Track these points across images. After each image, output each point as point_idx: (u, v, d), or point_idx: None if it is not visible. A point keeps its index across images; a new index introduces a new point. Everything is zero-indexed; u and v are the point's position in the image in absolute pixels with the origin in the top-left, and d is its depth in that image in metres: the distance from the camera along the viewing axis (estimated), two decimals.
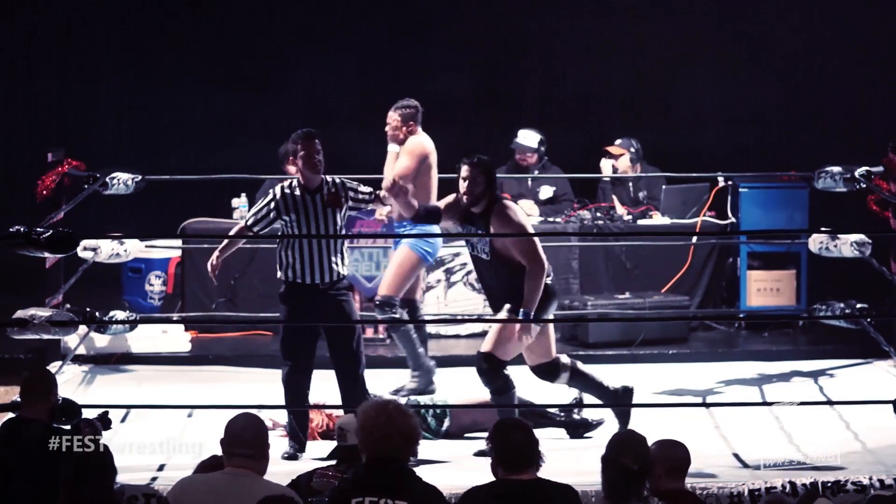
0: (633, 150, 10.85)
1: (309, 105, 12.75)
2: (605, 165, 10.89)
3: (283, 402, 7.60)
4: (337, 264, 7.45)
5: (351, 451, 5.55)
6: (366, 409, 5.06)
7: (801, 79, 12.51)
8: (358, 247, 10.16)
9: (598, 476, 5.05)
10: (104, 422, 6.26)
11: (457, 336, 10.28)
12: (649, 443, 5.19)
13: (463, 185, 7.37)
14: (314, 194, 7.46)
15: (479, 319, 7.40)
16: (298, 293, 7.47)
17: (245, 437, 5.07)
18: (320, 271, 7.43)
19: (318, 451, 7.18)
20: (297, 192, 7.47)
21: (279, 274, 7.53)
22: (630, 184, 11.03)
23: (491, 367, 7.35)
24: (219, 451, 5.29)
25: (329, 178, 7.52)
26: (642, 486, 4.99)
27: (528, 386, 7.86)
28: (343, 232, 7.59)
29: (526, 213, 10.60)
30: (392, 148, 8.44)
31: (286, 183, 7.57)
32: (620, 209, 10.84)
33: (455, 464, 7.35)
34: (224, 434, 5.13)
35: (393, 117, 8.47)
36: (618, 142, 10.89)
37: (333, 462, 5.74)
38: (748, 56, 12.65)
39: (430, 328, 10.30)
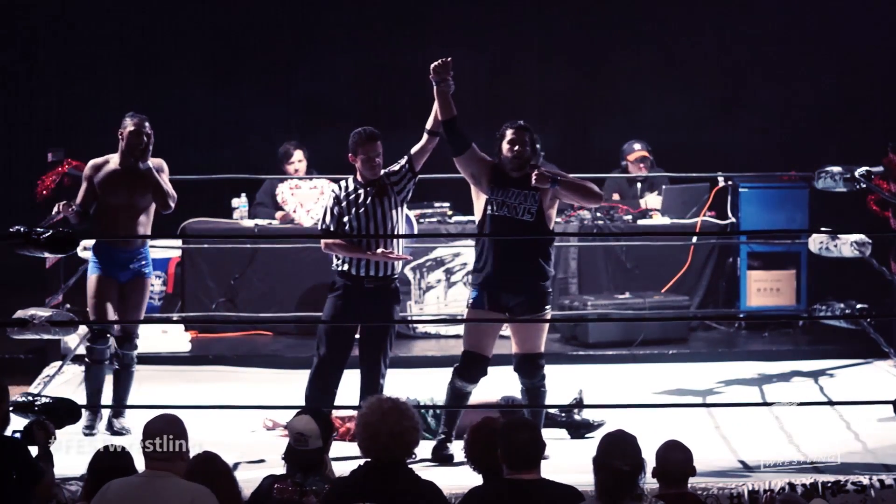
0: (650, 150, 10.88)
1: (309, 105, 12.75)
2: (633, 170, 10.89)
3: (278, 402, 7.56)
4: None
5: (312, 456, 5.41)
6: (364, 406, 5.09)
7: (801, 79, 12.51)
8: None
9: None
10: (57, 419, 6.28)
11: (457, 336, 10.26)
12: (650, 444, 5.19)
13: (513, 149, 7.28)
14: (367, 188, 7.48)
15: (479, 320, 7.36)
16: (350, 285, 7.44)
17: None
18: (375, 263, 7.43)
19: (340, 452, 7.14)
20: (351, 187, 7.50)
21: (334, 265, 7.52)
22: (638, 184, 11.04)
23: (542, 364, 7.36)
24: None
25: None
26: (635, 486, 4.98)
27: None
28: (404, 221, 7.55)
29: None
30: (143, 166, 7.79)
31: (342, 183, 7.57)
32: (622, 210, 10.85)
33: (455, 464, 7.34)
34: (143, 437, 5.14)
35: (147, 132, 7.83)
36: (637, 146, 10.87)
37: (284, 472, 5.51)
38: (748, 56, 12.65)
39: (431, 328, 10.32)
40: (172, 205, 7.85)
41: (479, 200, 7.37)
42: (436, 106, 7.30)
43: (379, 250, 7.39)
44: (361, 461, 5.17)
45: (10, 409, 5.97)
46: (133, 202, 7.84)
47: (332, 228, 7.49)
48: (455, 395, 7.37)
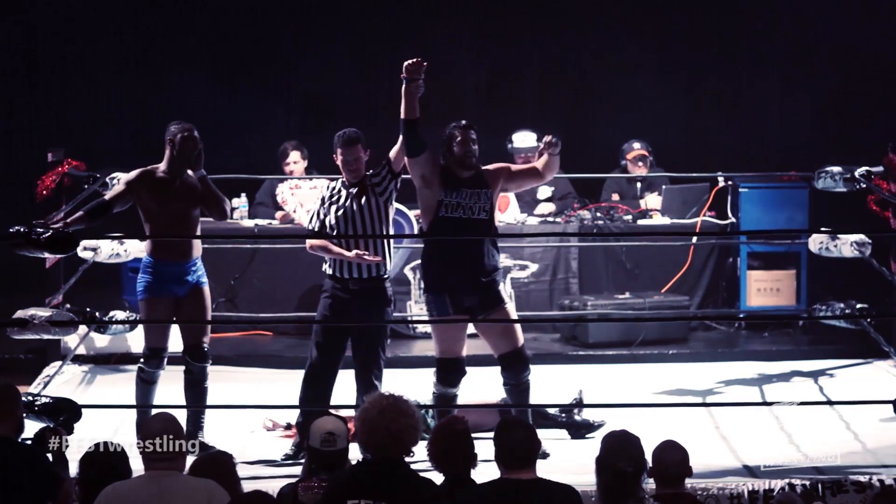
0: (649, 149, 10.88)
1: (309, 105, 12.75)
2: (633, 169, 10.89)
3: (278, 402, 7.54)
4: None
5: (339, 455, 5.38)
6: (365, 401, 5.10)
7: (801, 79, 12.51)
8: None
9: None
10: (66, 424, 6.26)
11: None
12: (650, 444, 5.19)
13: (464, 148, 7.25)
14: (349, 189, 7.49)
15: (480, 320, 7.36)
16: (338, 286, 7.45)
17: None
18: (359, 265, 7.41)
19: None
20: (336, 188, 7.53)
21: (323, 268, 7.53)
22: (638, 184, 11.05)
23: (528, 356, 7.37)
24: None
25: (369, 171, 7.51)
26: (638, 487, 4.98)
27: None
28: (391, 223, 7.53)
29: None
30: (198, 173, 7.58)
31: (331, 184, 7.59)
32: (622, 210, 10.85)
33: None
34: (141, 438, 5.12)
35: (197, 136, 7.58)
36: (637, 145, 10.86)
37: (307, 470, 5.49)
38: (748, 56, 12.65)
39: (430, 328, 10.30)
40: (229, 211, 7.67)
41: (426, 203, 7.34)
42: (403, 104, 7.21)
43: (353, 252, 7.38)
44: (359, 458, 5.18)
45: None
46: (187, 212, 7.53)
47: (317, 230, 7.50)
48: (442, 401, 7.40)
